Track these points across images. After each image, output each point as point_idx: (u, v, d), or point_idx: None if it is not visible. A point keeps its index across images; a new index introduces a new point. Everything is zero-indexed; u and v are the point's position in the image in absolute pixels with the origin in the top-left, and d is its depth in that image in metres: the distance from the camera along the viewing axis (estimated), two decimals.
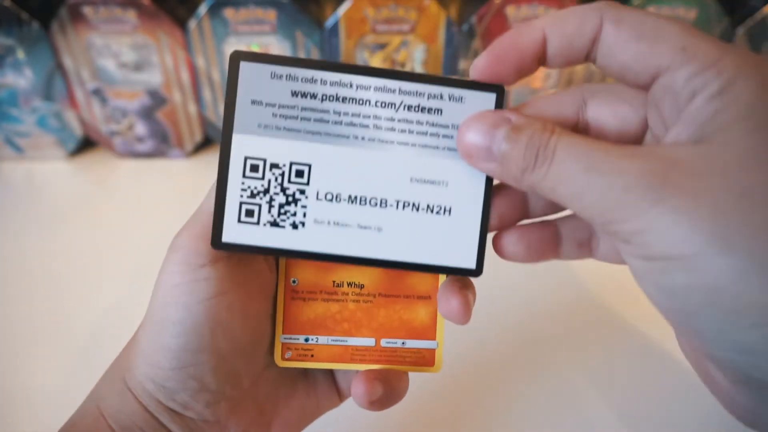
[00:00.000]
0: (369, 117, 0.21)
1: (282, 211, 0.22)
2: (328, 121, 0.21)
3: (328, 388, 0.28)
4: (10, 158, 0.60)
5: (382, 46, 0.55)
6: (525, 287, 0.44)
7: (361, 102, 0.21)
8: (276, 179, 0.22)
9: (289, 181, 0.22)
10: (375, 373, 0.25)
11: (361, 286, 0.25)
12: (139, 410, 0.23)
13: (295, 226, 0.22)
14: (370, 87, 0.21)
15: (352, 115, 0.21)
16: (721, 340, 0.16)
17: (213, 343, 0.22)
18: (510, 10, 0.53)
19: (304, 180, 0.22)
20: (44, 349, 0.41)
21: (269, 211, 0.22)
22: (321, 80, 0.21)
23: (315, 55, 0.54)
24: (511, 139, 0.19)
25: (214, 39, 0.53)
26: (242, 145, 0.22)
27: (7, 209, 0.54)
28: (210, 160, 0.61)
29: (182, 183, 0.57)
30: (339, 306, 0.25)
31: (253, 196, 0.22)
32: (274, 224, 0.22)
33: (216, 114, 0.58)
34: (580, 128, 0.21)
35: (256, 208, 0.22)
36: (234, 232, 0.22)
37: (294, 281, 0.25)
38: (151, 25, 0.52)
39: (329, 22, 0.53)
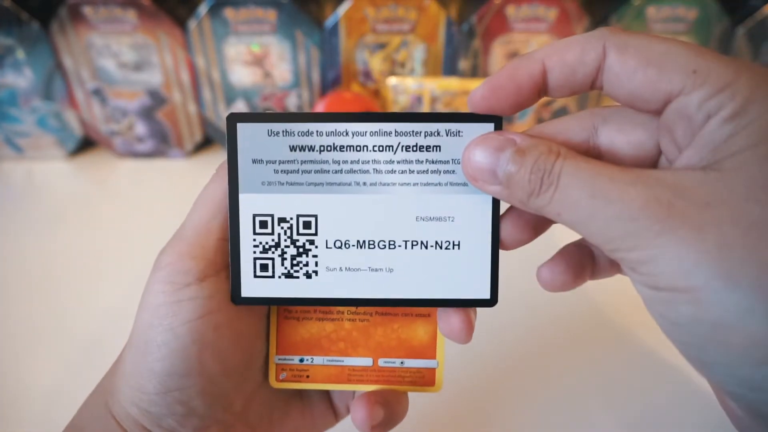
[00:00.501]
0: (368, 162, 0.22)
1: (294, 262, 0.22)
2: (328, 171, 0.22)
3: (324, 407, 0.27)
4: (10, 158, 0.60)
5: (382, 46, 0.55)
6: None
7: (358, 148, 0.22)
8: (285, 233, 0.22)
9: (298, 233, 0.22)
10: (375, 396, 0.24)
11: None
12: None
13: (308, 275, 0.22)
14: (365, 132, 0.21)
15: (351, 162, 0.22)
16: (729, 375, 0.16)
17: (200, 366, 0.22)
18: (510, 10, 0.53)
19: (312, 230, 0.22)
20: (44, 348, 0.41)
21: (282, 264, 0.22)
22: (317, 132, 0.22)
23: (315, 54, 0.54)
24: (516, 161, 0.19)
25: (214, 39, 0.53)
26: (249, 204, 0.22)
27: (7, 209, 0.54)
28: (210, 160, 0.61)
29: (182, 183, 0.57)
30: (334, 325, 0.25)
31: (265, 251, 0.22)
32: (289, 275, 0.22)
33: (216, 114, 0.58)
34: (591, 154, 0.20)
35: (269, 262, 0.22)
36: (251, 287, 0.22)
37: None
38: (151, 25, 0.52)
39: (329, 22, 0.53)
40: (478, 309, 0.23)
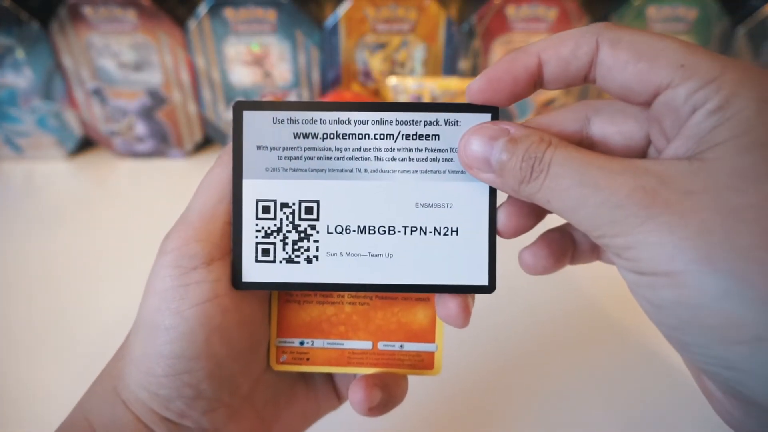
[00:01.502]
0: (369, 150, 0.22)
1: (296, 247, 0.23)
2: (331, 158, 0.22)
3: (327, 390, 0.27)
4: (10, 158, 0.60)
5: (382, 46, 0.55)
6: (526, 289, 0.44)
7: (360, 136, 0.22)
8: (287, 218, 0.23)
9: (300, 219, 0.23)
10: (373, 378, 0.24)
11: None
12: (132, 421, 0.22)
13: (309, 260, 0.23)
14: (367, 121, 0.22)
15: (353, 149, 0.22)
16: (707, 355, 0.17)
17: (208, 349, 0.22)
18: (510, 10, 0.53)
19: (314, 216, 0.23)
20: (44, 348, 0.41)
21: (284, 249, 0.23)
22: (320, 120, 0.22)
23: (315, 54, 0.54)
24: (509, 150, 0.20)
25: (214, 39, 0.53)
26: (253, 189, 0.23)
27: (7, 209, 0.54)
28: (209, 160, 0.60)
29: (182, 183, 0.57)
30: (335, 309, 0.25)
31: (267, 235, 0.23)
32: (290, 260, 0.23)
33: (215, 114, 0.58)
34: (584, 144, 0.21)
35: (271, 247, 0.23)
36: (253, 272, 0.23)
37: None
38: (151, 25, 0.52)
39: (329, 22, 0.53)
40: (478, 295, 0.24)
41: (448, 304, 0.23)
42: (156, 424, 0.22)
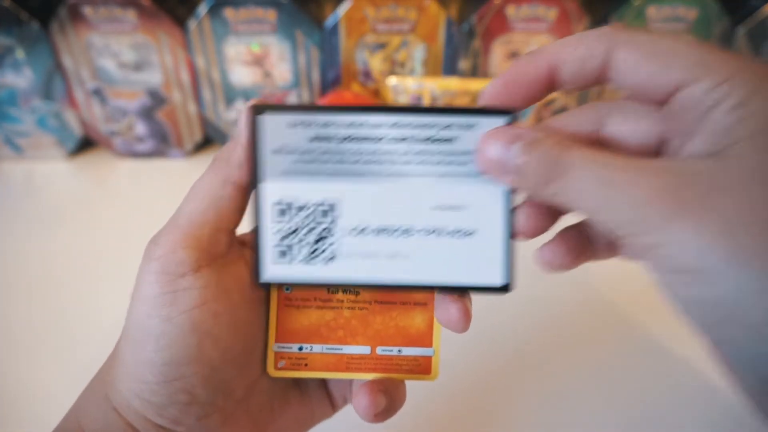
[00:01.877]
0: (385, 153, 0.22)
1: (313, 249, 0.23)
2: (347, 161, 0.22)
3: (321, 397, 0.27)
4: (10, 158, 0.60)
5: (382, 46, 0.55)
6: (524, 290, 0.44)
7: (376, 139, 0.22)
8: (304, 220, 0.23)
9: (317, 221, 0.23)
10: (377, 384, 0.24)
11: (357, 293, 0.25)
12: (125, 428, 0.22)
13: (327, 261, 0.23)
14: (383, 124, 0.22)
15: (370, 152, 0.22)
16: (738, 350, 0.17)
17: (201, 354, 0.22)
18: (510, 10, 0.53)
19: (331, 218, 0.23)
20: (44, 348, 0.41)
21: (302, 251, 0.23)
22: (336, 123, 0.22)
23: (315, 54, 0.54)
24: (526, 153, 0.20)
25: (214, 39, 0.53)
26: (270, 192, 0.23)
27: (7, 209, 0.54)
28: (209, 160, 0.60)
29: (182, 183, 0.57)
30: (334, 313, 0.25)
31: (285, 237, 0.23)
32: (308, 261, 0.23)
33: (215, 114, 0.58)
34: (599, 145, 0.21)
35: (289, 249, 0.23)
36: (272, 272, 0.23)
37: (287, 288, 0.25)
38: (151, 25, 0.52)
39: (329, 22, 0.53)
40: (475, 299, 0.24)
41: (450, 309, 0.23)
42: (149, 431, 0.22)
